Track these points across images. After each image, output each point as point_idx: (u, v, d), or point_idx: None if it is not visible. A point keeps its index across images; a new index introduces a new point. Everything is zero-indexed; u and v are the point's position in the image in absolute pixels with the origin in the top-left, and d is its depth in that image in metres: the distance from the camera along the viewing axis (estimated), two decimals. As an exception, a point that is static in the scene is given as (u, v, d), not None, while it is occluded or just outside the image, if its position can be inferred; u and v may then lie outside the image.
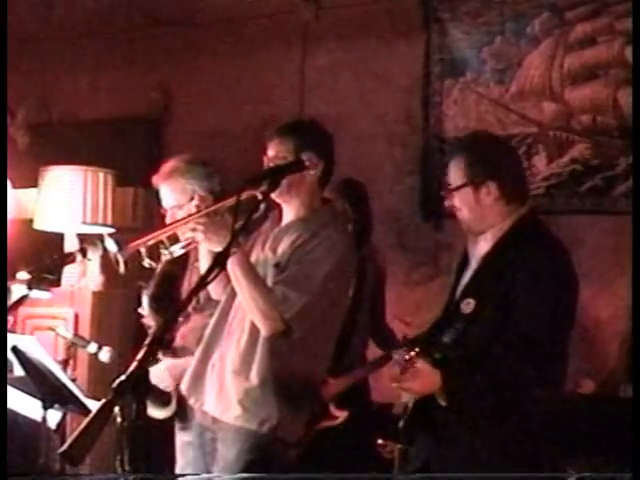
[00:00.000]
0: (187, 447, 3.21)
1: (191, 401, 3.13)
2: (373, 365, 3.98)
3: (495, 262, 2.78)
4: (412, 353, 2.69)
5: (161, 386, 3.26)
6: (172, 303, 3.47)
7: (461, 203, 2.86)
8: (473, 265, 2.87)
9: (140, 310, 3.53)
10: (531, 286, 2.67)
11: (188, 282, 3.52)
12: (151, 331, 3.52)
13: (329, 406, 3.62)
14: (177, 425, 3.24)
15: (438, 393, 2.64)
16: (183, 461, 3.22)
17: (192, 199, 3.37)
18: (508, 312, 2.67)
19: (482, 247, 2.84)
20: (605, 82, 4.79)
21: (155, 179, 3.47)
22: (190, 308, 3.40)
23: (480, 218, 2.84)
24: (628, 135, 4.57)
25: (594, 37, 4.83)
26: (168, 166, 3.47)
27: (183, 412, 3.18)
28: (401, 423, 2.82)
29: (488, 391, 2.64)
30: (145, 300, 3.47)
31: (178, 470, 3.20)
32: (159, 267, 3.13)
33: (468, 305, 2.76)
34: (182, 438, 3.22)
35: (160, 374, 3.31)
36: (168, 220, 3.38)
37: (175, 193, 3.42)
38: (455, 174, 2.87)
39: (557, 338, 2.70)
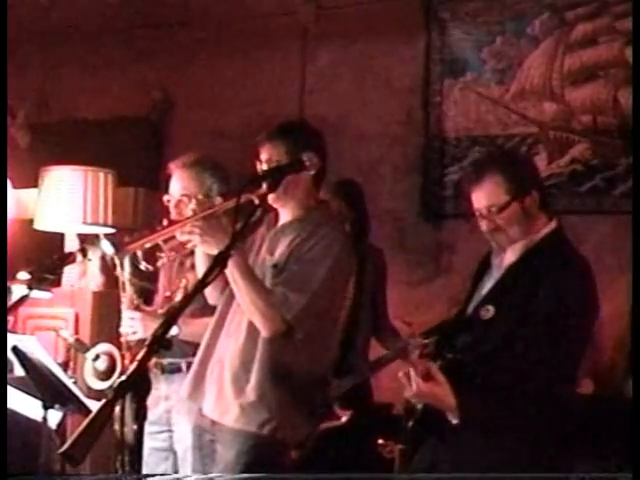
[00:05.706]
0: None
1: (191, 405, 3.12)
2: (383, 360, 3.97)
3: (520, 273, 2.73)
4: (427, 340, 2.67)
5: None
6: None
7: (508, 222, 2.74)
8: (495, 274, 2.82)
9: None
10: (553, 303, 2.62)
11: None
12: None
13: (334, 406, 3.62)
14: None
15: (448, 409, 2.60)
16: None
17: (208, 196, 3.28)
18: (525, 324, 2.64)
19: (509, 257, 2.78)
20: (605, 82, 4.79)
21: (173, 165, 3.37)
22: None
23: (522, 230, 2.76)
24: (628, 135, 4.58)
25: (594, 37, 4.84)
26: (191, 155, 3.38)
27: None
28: (410, 424, 2.77)
29: (497, 400, 2.62)
30: None
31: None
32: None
33: (487, 312, 2.72)
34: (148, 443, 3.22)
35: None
36: (172, 210, 3.30)
37: (190, 183, 3.31)
38: (491, 194, 2.74)
39: (569, 358, 2.69)
